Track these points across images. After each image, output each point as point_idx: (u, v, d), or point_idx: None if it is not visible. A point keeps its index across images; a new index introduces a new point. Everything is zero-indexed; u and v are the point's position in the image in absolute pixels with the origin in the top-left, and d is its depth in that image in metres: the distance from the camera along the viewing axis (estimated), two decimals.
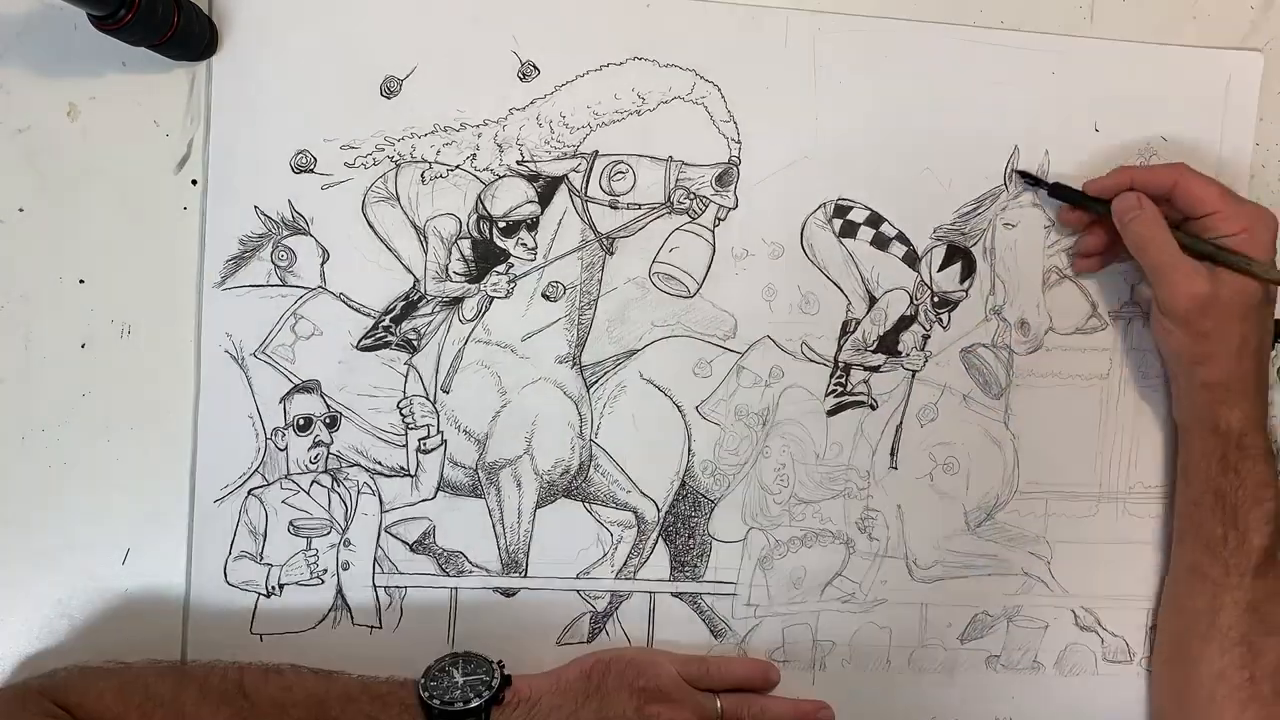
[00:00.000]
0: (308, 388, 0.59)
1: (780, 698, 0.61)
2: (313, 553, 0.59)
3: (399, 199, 0.59)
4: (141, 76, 0.58)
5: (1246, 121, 0.63)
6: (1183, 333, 0.57)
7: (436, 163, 0.59)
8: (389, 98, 0.59)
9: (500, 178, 0.60)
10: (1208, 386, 0.58)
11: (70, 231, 0.58)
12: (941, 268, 0.63)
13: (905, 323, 0.63)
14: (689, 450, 0.62)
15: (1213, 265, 0.56)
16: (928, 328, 0.63)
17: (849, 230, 0.62)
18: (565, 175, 0.60)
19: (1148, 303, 0.61)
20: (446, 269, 0.60)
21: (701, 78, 0.60)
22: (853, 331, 0.62)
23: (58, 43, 0.57)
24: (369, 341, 0.59)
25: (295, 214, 0.58)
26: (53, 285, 0.58)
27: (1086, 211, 0.61)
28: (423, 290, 0.60)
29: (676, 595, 0.62)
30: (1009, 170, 0.62)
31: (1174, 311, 0.56)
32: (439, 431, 0.60)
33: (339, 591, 0.60)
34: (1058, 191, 0.61)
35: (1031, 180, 0.62)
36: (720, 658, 0.61)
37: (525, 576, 0.61)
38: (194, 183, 0.59)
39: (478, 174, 0.60)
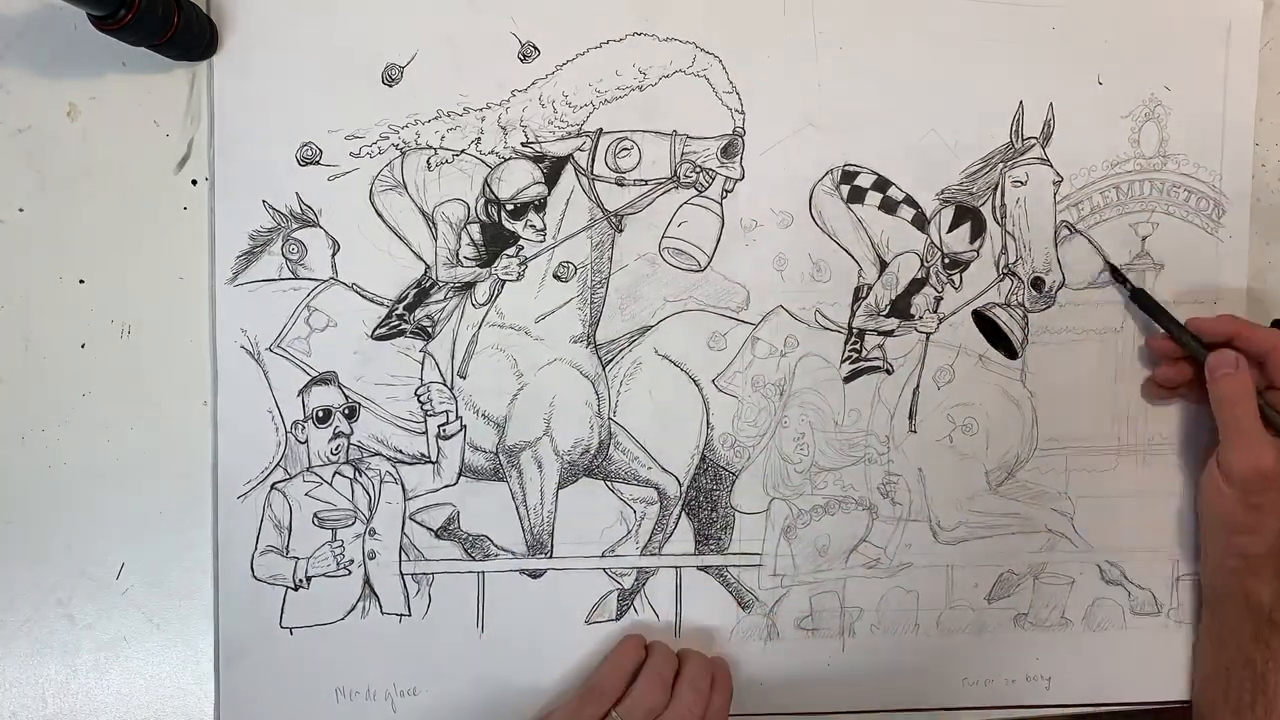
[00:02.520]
0: (325, 379, 0.59)
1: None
2: (338, 544, 0.59)
3: (406, 186, 0.59)
4: (141, 76, 0.58)
5: (1249, 67, 0.63)
6: (1236, 498, 0.58)
7: (441, 148, 0.59)
8: (391, 85, 0.59)
9: (506, 160, 0.60)
10: (1245, 557, 0.59)
11: (70, 231, 0.58)
12: (951, 229, 0.62)
13: (917, 286, 0.63)
14: (708, 424, 0.62)
15: None
16: (939, 290, 0.63)
17: (857, 196, 0.62)
18: (570, 155, 0.60)
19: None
20: (457, 254, 0.60)
21: (702, 50, 0.60)
22: (865, 297, 0.62)
23: (58, 43, 0.57)
24: (383, 330, 0.59)
25: (304, 206, 0.58)
26: (53, 285, 0.58)
27: (1174, 342, 0.61)
28: (434, 277, 0.60)
29: (702, 569, 0.62)
30: (1014, 129, 0.62)
31: (1233, 476, 0.57)
32: (458, 417, 0.60)
33: (366, 581, 0.60)
34: (1141, 298, 0.61)
35: (1121, 278, 0.62)
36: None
37: (551, 557, 0.61)
38: (194, 183, 0.59)
39: (483, 158, 0.60)
